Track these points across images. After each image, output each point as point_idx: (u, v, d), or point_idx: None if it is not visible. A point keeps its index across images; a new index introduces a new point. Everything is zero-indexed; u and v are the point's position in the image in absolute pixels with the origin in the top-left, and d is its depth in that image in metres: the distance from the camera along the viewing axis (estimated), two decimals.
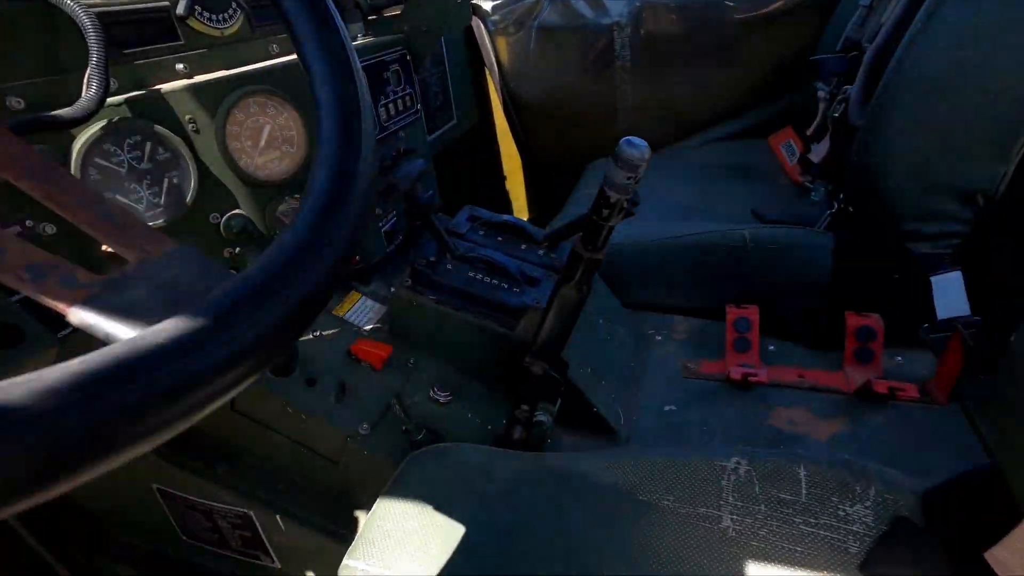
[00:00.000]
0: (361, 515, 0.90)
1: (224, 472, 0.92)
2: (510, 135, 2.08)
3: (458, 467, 0.74)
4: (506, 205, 2.25)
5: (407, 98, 1.17)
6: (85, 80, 0.67)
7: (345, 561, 0.67)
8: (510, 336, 0.91)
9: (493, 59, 1.95)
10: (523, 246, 1.08)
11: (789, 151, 1.66)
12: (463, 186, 2.27)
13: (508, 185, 2.23)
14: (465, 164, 2.24)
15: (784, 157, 1.66)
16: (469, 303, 0.95)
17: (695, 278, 1.25)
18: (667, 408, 1.02)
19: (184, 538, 1.04)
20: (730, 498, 0.62)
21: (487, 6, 1.92)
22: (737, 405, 1.01)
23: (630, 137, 0.55)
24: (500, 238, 1.09)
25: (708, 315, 1.26)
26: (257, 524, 0.93)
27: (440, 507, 0.69)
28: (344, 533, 0.89)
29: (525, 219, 2.24)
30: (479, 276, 0.97)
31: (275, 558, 0.98)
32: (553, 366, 0.73)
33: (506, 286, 0.97)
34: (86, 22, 0.66)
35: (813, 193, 1.47)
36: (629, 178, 0.55)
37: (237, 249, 0.90)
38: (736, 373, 1.01)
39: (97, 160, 0.74)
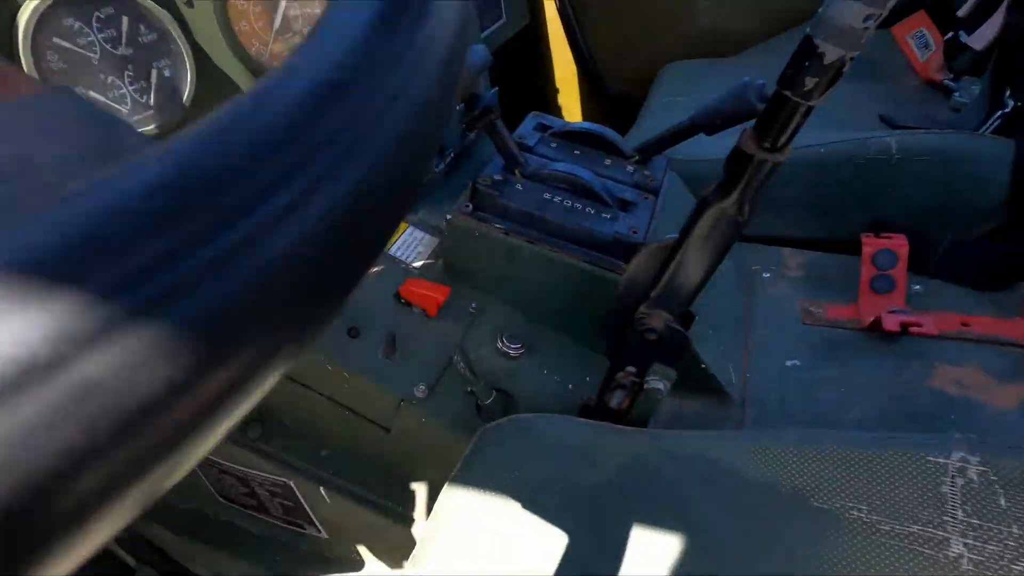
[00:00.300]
0: (419, 489, 0.76)
1: (258, 436, 0.78)
2: (564, 38, 1.78)
3: (549, 447, 0.57)
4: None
5: None
6: None
7: (406, 572, 0.51)
8: (609, 277, 0.71)
9: None
10: (608, 160, 0.86)
11: (920, 43, 1.33)
12: (509, 99, 2.01)
13: (561, 100, 1.95)
14: (512, 73, 1.97)
15: (913, 51, 1.34)
16: (548, 233, 0.75)
17: (816, 200, 1.01)
18: (789, 363, 0.82)
19: (221, 499, 0.93)
20: (959, 513, 0.43)
21: None
22: (882, 361, 0.80)
23: None
24: (578, 151, 0.86)
25: (826, 248, 1.02)
26: (299, 495, 0.80)
27: (530, 501, 0.52)
28: (400, 511, 0.74)
29: None
30: (559, 199, 0.76)
31: (321, 529, 0.85)
32: (679, 319, 0.53)
33: (592, 211, 0.76)
34: None
35: (957, 93, 1.17)
36: (870, 18, 0.32)
37: None
38: (890, 322, 0.79)
39: (56, 40, 0.54)
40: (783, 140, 0.40)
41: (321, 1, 0.73)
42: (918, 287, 0.90)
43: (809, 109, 0.38)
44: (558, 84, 1.94)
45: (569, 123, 0.91)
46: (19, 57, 0.51)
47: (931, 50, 1.30)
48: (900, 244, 0.86)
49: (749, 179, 0.42)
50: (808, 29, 0.38)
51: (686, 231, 0.47)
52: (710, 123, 0.76)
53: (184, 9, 0.61)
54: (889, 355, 0.81)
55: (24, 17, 0.51)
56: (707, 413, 0.77)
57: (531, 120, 0.92)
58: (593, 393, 0.69)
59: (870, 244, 0.88)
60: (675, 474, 0.51)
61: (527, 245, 0.74)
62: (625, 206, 0.79)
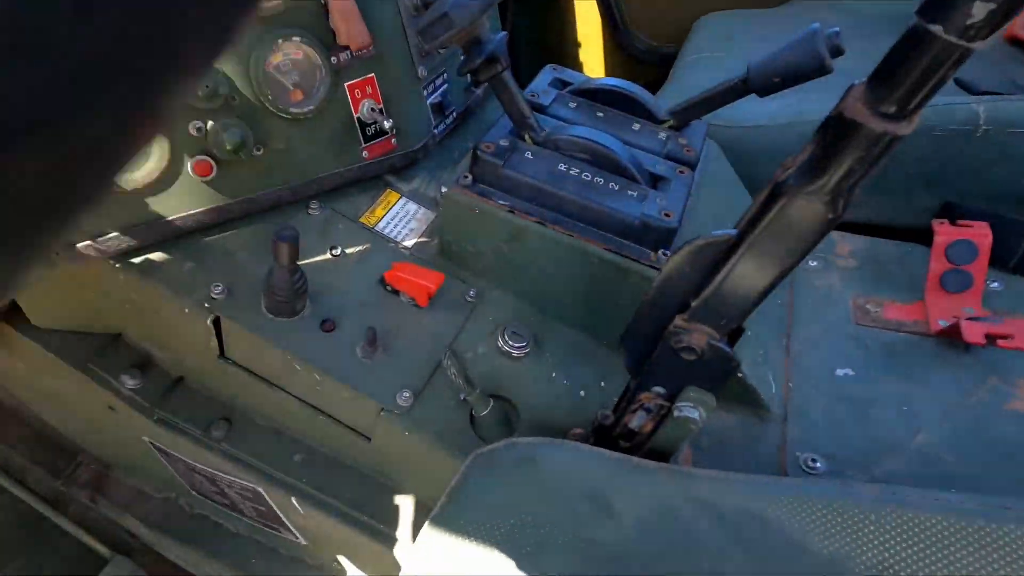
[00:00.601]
0: (404, 505, 0.66)
1: (223, 436, 0.68)
2: None
3: (554, 487, 0.46)
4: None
5: None
6: None
7: None
8: (634, 269, 0.59)
9: None
10: (636, 125, 0.72)
11: None
12: (524, 55, 1.84)
13: (583, 54, 1.78)
14: (529, 25, 1.80)
15: None
16: (561, 212, 0.62)
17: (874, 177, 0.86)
18: (840, 373, 0.70)
19: (194, 493, 0.85)
20: None
21: None
22: (955, 375, 0.67)
23: None
24: (601, 113, 0.73)
25: (882, 233, 0.88)
26: (270, 502, 0.71)
27: (529, 558, 0.42)
28: (382, 529, 0.65)
29: None
30: (576, 171, 0.63)
31: (299, 536, 0.77)
32: (726, 336, 0.41)
33: (616, 187, 0.63)
34: None
35: None
36: None
37: (208, 123, 0.59)
38: (973, 333, 0.65)
39: None
40: (915, 102, 0.27)
41: None
42: (996, 284, 0.77)
43: (964, 55, 0.25)
44: (579, 38, 1.76)
45: (592, 79, 0.77)
46: None
47: None
48: (982, 234, 0.72)
49: (854, 159, 0.29)
50: None
51: (750, 225, 0.34)
52: (765, 82, 0.62)
53: None
54: (962, 368, 0.68)
55: None
56: (741, 428, 0.66)
57: (547, 74, 0.78)
58: (610, 407, 0.57)
59: (944, 233, 0.74)
60: (713, 538, 0.40)
61: (536, 226, 0.62)
62: (656, 182, 0.65)
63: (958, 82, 0.97)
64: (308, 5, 0.62)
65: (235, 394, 0.69)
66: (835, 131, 0.30)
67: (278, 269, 0.56)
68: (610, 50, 1.75)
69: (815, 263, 0.85)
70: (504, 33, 0.61)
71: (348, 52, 0.66)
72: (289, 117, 0.64)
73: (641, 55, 1.69)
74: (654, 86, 1.28)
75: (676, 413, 0.47)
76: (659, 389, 0.48)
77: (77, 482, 0.97)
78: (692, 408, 0.46)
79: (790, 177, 0.32)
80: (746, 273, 0.36)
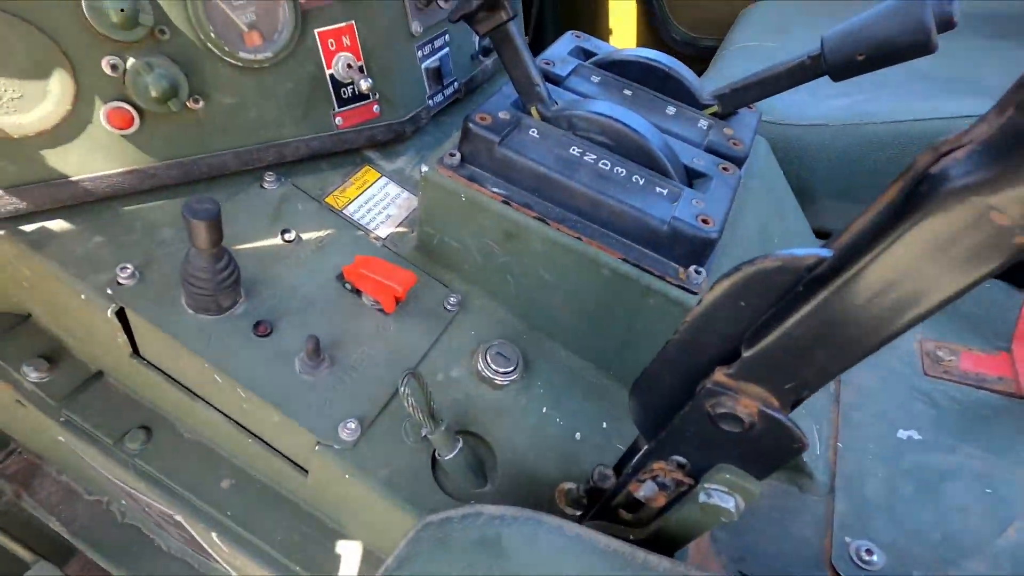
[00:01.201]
0: (347, 553, 0.53)
1: (139, 449, 0.56)
2: None
3: None
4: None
5: None
6: None
7: None
8: (657, 288, 0.46)
9: None
10: (671, 109, 0.58)
11: None
12: (552, 11, 1.69)
13: (615, 43, 1.64)
14: (559, 12, 1.66)
15: None
16: (568, 208, 0.49)
17: None
18: (903, 435, 0.56)
19: (123, 501, 0.73)
20: None
21: None
22: None
23: None
24: (629, 92, 0.59)
25: None
26: (193, 533, 0.58)
27: None
28: None
29: None
30: (591, 157, 0.49)
31: (230, 570, 0.64)
32: (781, 404, 0.28)
33: (642, 180, 0.49)
34: None
35: None
36: None
37: (128, 61, 0.46)
38: None
39: None
40: None
41: None
42: None
43: None
44: (612, 26, 1.62)
45: (620, 50, 0.63)
46: None
47: None
48: None
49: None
50: None
51: (872, 241, 0.21)
52: (846, 60, 0.48)
53: None
54: None
55: None
56: (776, 498, 0.52)
57: (568, 40, 0.65)
58: (612, 462, 0.44)
59: None
60: None
61: (537, 224, 0.48)
62: (693, 180, 0.52)
63: None
64: None
65: (155, 400, 0.56)
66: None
67: (195, 254, 0.43)
68: (645, 37, 1.61)
69: None
70: None
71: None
72: (240, 64, 0.51)
73: (679, 47, 1.54)
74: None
75: (703, 498, 0.33)
76: (680, 459, 0.35)
77: (5, 473, 0.87)
78: (726, 495, 0.33)
79: (953, 168, 0.18)
80: (851, 314, 0.23)
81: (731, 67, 0.97)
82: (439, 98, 0.70)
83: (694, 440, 0.33)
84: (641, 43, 1.61)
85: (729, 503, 0.32)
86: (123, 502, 0.74)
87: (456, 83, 0.72)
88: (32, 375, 0.57)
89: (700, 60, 1.49)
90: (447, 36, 0.68)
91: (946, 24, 0.45)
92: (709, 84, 0.92)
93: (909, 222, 0.19)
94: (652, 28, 1.55)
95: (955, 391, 0.59)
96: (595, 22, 1.62)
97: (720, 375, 0.29)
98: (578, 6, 1.64)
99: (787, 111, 0.77)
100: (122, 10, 0.43)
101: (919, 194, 0.19)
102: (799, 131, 0.74)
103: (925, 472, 0.53)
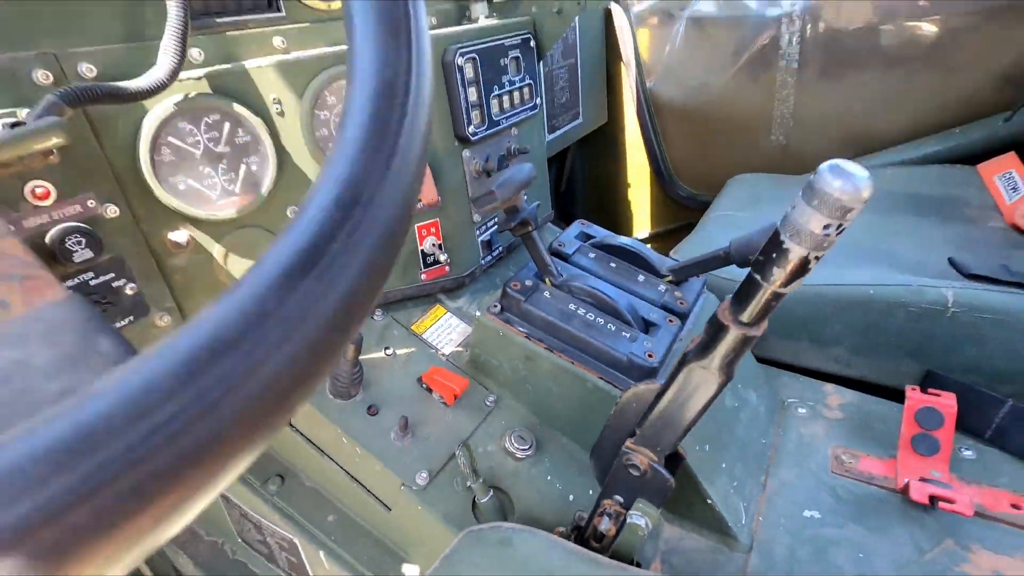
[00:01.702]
0: (409, 573, 0.77)
1: (276, 490, 0.84)
2: (641, 139, 1.86)
3: (521, 566, 0.57)
4: (627, 218, 2.04)
5: (526, 90, 1.02)
6: (160, 48, 0.59)
7: None
8: (607, 395, 0.73)
9: (632, 52, 1.74)
10: (641, 277, 0.88)
11: (1008, 185, 1.28)
12: (580, 191, 2.09)
13: (631, 195, 2.01)
14: (586, 167, 2.07)
15: (1000, 192, 1.28)
16: (566, 343, 0.78)
17: (862, 341, 0.97)
18: (808, 514, 0.78)
19: (240, 539, 0.98)
20: None
21: None
22: (913, 532, 0.74)
23: (839, 161, 0.34)
24: (614, 264, 0.90)
25: (873, 390, 0.97)
26: (301, 552, 0.84)
27: None
28: None
29: (648, 233, 2.02)
30: (582, 311, 0.79)
31: None
32: (664, 462, 0.54)
33: (613, 328, 0.78)
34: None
35: None
36: (828, 227, 0.34)
37: None
38: (919, 492, 0.73)
39: (170, 139, 0.66)
40: (754, 318, 0.42)
41: None
42: (969, 452, 0.83)
43: (778, 296, 0.40)
44: (630, 179, 2.00)
45: (610, 235, 0.95)
46: (138, 150, 0.63)
47: (1019, 193, 1.23)
48: (948, 404, 0.81)
49: (726, 348, 0.43)
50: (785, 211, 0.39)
51: (671, 377, 0.48)
52: (743, 258, 0.78)
53: (276, 118, 0.73)
54: (922, 526, 0.74)
55: (148, 122, 0.64)
56: (708, 552, 0.74)
57: (575, 227, 0.98)
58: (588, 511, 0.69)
59: (914, 399, 0.83)
60: None
61: (546, 352, 0.77)
62: (648, 327, 0.80)
63: (952, 262, 1.08)
64: None
65: (291, 455, 0.85)
66: (715, 327, 0.44)
67: (343, 363, 0.74)
68: (656, 192, 1.97)
69: (804, 410, 0.94)
70: (536, 204, 0.81)
71: (420, 203, 0.88)
72: None
73: (682, 199, 1.89)
74: (693, 227, 1.45)
75: (628, 519, 0.58)
76: (618, 498, 0.60)
77: None
78: (640, 516, 0.57)
79: (691, 352, 0.46)
80: (670, 414, 0.50)
81: (710, 233, 1.28)
82: (488, 259, 1.02)
83: (622, 483, 0.58)
84: (653, 193, 1.97)
85: (642, 522, 0.57)
86: (239, 540, 0.99)
87: (500, 248, 1.05)
88: None
89: (701, 210, 1.83)
90: (495, 217, 1.03)
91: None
92: (692, 245, 1.23)
93: (681, 373, 0.47)
94: (661, 185, 1.92)
95: (852, 486, 0.81)
96: (615, 178, 2.00)
97: (629, 443, 0.56)
98: (600, 162, 2.03)
99: (734, 271, 1.06)
100: None
101: (683, 362, 0.47)
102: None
103: (819, 541, 0.74)
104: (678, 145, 1.82)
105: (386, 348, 0.86)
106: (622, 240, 0.92)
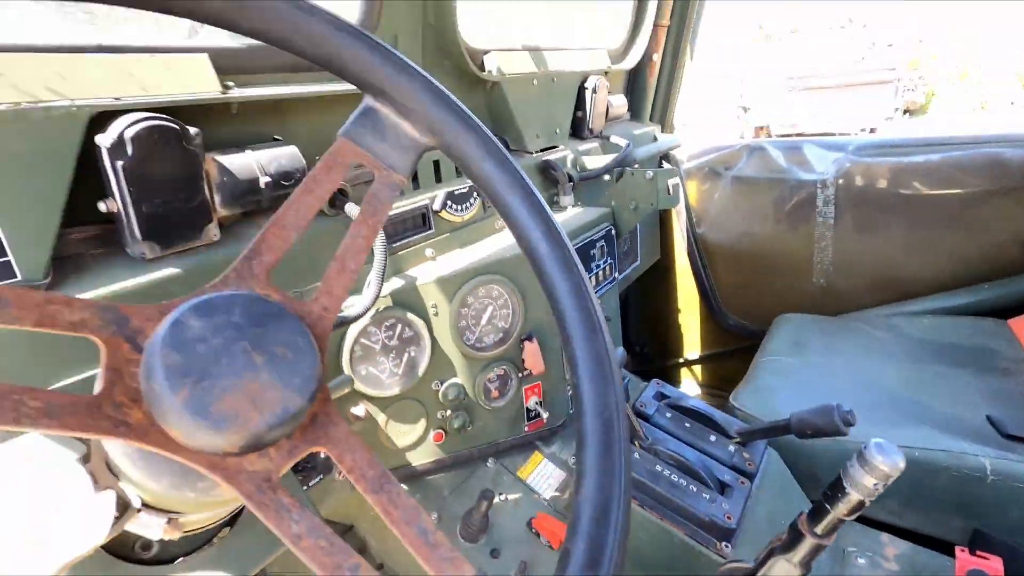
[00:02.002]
0: None
1: None
2: (691, 273, 2.07)
3: None
4: (678, 341, 2.22)
5: (608, 268, 1.24)
6: (368, 282, 0.83)
7: None
8: (704, 553, 0.87)
9: (682, 200, 1.99)
10: (712, 437, 1.05)
11: None
12: (635, 316, 2.29)
13: (682, 319, 2.19)
14: (640, 295, 2.28)
15: None
16: (656, 500, 0.93)
17: (912, 496, 1.09)
18: None
19: None
20: None
21: (680, 154, 1.98)
22: None
23: (880, 441, 0.52)
24: (688, 424, 1.07)
25: (927, 542, 1.08)
26: None
27: None
28: None
29: (697, 355, 2.19)
30: (667, 472, 0.96)
31: None
32: None
33: (695, 488, 0.94)
34: (377, 242, 0.82)
35: None
36: (876, 484, 0.51)
37: (448, 412, 1.01)
38: None
39: (361, 340, 0.89)
40: (825, 532, 0.58)
41: (512, 303, 1.05)
42: None
43: (842, 520, 0.56)
44: (680, 305, 2.19)
45: (682, 396, 1.13)
46: (342, 352, 0.86)
47: None
48: (995, 568, 0.92)
49: (804, 552, 0.59)
50: (849, 465, 0.56)
51: (759, 566, 0.64)
52: (800, 431, 0.94)
53: (432, 317, 0.95)
54: None
55: (352, 334, 0.87)
56: None
57: (652, 387, 1.16)
58: None
59: (963, 560, 0.94)
60: None
61: (637, 508, 0.93)
62: (724, 489, 0.96)
63: (989, 420, 1.21)
64: (512, 348, 1.06)
65: None
66: (795, 533, 0.61)
67: (477, 513, 0.91)
68: (705, 319, 2.15)
69: (863, 560, 1.06)
70: (627, 380, 1.00)
71: (529, 372, 1.08)
72: (489, 408, 1.05)
73: (730, 327, 2.07)
74: (743, 353, 1.61)
75: None
76: None
77: None
78: None
79: (777, 548, 0.62)
80: None
81: (765, 381, 1.44)
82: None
83: None
84: (703, 322, 2.15)
85: None
86: None
87: None
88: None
89: (749, 338, 1.99)
90: None
91: (847, 422, 0.91)
92: (747, 391, 1.39)
93: (766, 565, 0.63)
94: (710, 313, 2.10)
95: None
96: (667, 305, 2.19)
97: None
98: (653, 291, 2.23)
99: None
100: (454, 396, 0.98)
101: (768, 555, 0.63)
102: (803, 451, 1.17)
103: None
104: (726, 281, 2.02)
105: (500, 494, 1.03)
106: (695, 404, 1.09)
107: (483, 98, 1.26)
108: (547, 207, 0.50)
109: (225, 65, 0.77)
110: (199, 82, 0.72)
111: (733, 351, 2.11)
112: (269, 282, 0.42)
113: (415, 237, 1.00)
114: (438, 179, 1.07)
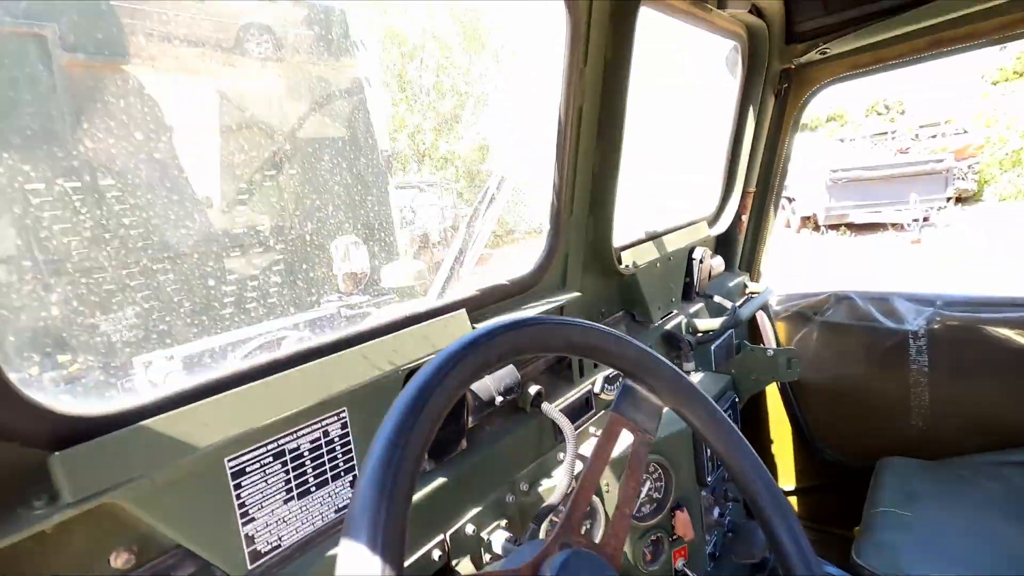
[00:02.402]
0: None
1: None
2: (783, 406, 2.18)
3: None
4: (771, 471, 2.28)
5: None
6: (561, 470, 1.01)
7: None
8: None
9: (772, 341, 2.14)
10: None
11: None
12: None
13: (775, 450, 2.28)
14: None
15: None
16: None
17: None
18: None
19: None
20: None
21: (772, 299, 2.16)
22: None
23: None
24: None
25: None
26: None
27: None
28: None
29: (792, 487, 2.24)
30: None
31: None
32: None
33: None
34: (567, 431, 1.01)
35: None
36: None
37: None
38: None
39: (551, 518, 1.06)
40: None
41: (664, 476, 1.21)
42: None
43: None
44: (773, 436, 2.28)
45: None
46: (540, 531, 1.03)
47: None
48: None
49: None
50: None
51: None
52: None
53: (604, 495, 1.12)
54: None
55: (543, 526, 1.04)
56: None
57: None
58: None
59: None
60: None
61: None
62: None
63: None
64: (665, 517, 1.21)
65: None
66: None
67: None
68: (799, 452, 2.22)
69: None
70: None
71: (679, 537, 1.22)
72: (644, 572, 1.18)
73: (826, 462, 2.13)
74: (841, 489, 1.66)
75: None
76: None
77: None
78: None
79: None
80: None
81: (880, 532, 1.51)
82: (711, 566, 1.32)
83: None
84: (796, 455, 2.22)
85: None
86: None
87: (716, 552, 1.35)
88: None
89: (848, 476, 2.05)
90: (716, 536, 1.34)
91: None
92: (864, 547, 1.46)
93: None
94: (804, 447, 2.18)
95: None
96: (759, 436, 2.28)
97: None
98: (746, 423, 2.33)
99: None
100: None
101: None
102: None
103: None
104: (819, 416, 2.12)
105: None
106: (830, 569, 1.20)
107: (616, 283, 1.49)
108: (760, 461, 0.70)
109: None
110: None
111: (829, 484, 2.16)
112: (580, 533, 0.61)
113: (582, 419, 1.20)
114: (581, 373, 1.26)
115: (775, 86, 1.88)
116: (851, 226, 10.79)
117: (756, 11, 1.67)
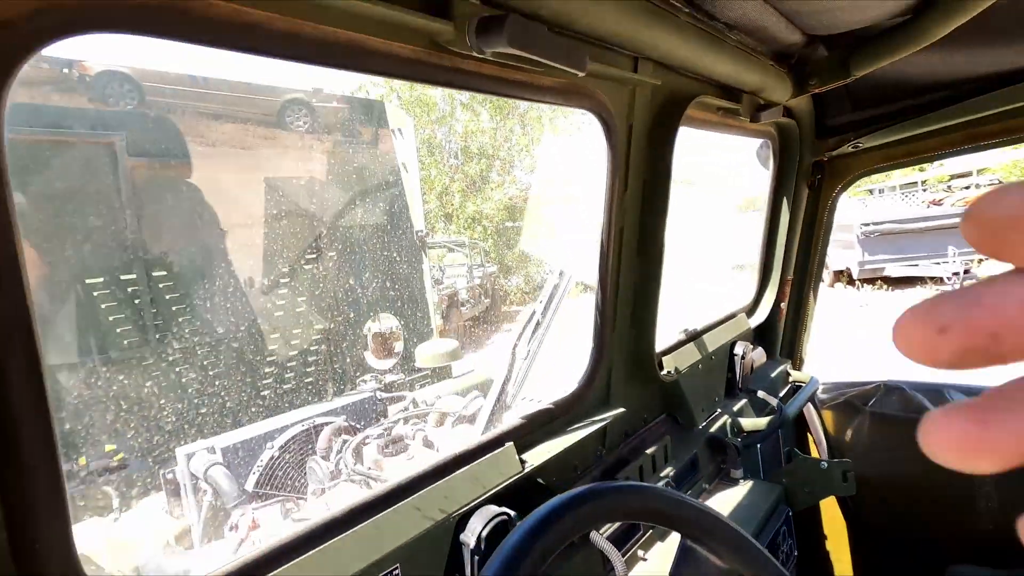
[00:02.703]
0: None
1: None
2: (836, 507, 2.06)
3: None
4: (827, 564, 2.15)
5: (789, 548, 1.33)
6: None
7: None
8: None
9: (820, 431, 2.06)
10: None
11: None
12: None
13: (830, 546, 2.15)
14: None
15: None
16: None
17: None
18: None
19: None
20: None
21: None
22: None
23: None
24: None
25: None
26: None
27: None
28: None
29: None
30: None
31: None
32: None
33: None
34: (618, 565, 0.98)
35: None
36: None
37: None
38: None
39: None
40: None
41: None
42: None
43: None
44: (829, 546, 2.14)
45: None
46: None
47: None
48: None
49: None
50: None
51: None
52: None
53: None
54: None
55: None
56: None
57: None
58: None
59: None
60: None
61: None
62: None
63: None
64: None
65: None
66: None
67: None
68: (860, 567, 2.08)
69: None
70: None
71: None
72: None
73: (887, 563, 2.00)
74: None
75: None
76: None
77: None
78: None
79: None
80: None
81: None
82: None
83: None
84: (852, 548, 2.09)
85: None
86: None
87: None
88: None
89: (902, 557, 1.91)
90: None
91: None
92: None
93: None
94: (864, 552, 2.05)
95: None
96: (816, 548, 2.16)
97: None
98: (809, 540, 2.21)
99: None
100: None
101: None
102: None
103: None
104: (881, 523, 1.99)
105: None
106: None
107: (659, 387, 1.47)
108: None
109: None
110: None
111: None
112: None
113: (629, 543, 1.16)
114: None
115: (808, 177, 1.90)
116: (887, 280, 10.51)
117: (786, 111, 1.71)
